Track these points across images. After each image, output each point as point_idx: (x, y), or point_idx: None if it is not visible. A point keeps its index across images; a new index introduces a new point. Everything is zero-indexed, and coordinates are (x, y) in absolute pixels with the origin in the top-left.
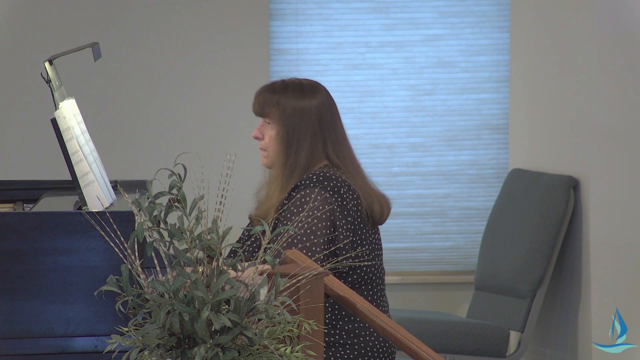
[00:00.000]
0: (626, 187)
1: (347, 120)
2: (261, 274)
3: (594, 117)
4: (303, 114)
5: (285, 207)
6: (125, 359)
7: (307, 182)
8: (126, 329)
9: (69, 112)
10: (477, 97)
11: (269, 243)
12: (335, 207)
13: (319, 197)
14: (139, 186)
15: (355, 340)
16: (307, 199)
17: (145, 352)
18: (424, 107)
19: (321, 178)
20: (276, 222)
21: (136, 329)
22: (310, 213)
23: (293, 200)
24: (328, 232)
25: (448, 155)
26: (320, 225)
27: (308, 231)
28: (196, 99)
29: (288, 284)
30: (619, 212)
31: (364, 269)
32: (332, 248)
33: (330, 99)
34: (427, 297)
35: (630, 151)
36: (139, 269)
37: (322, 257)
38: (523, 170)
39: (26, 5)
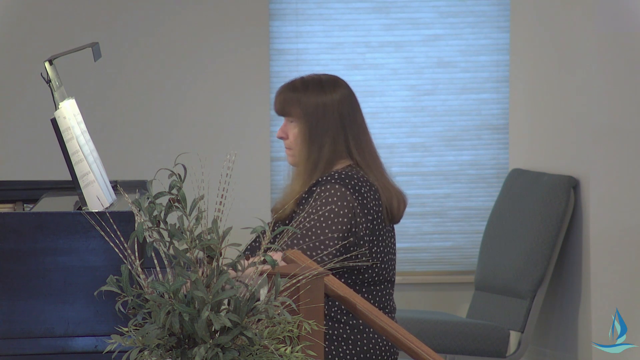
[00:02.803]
0: (626, 187)
1: None
2: (261, 274)
3: (594, 117)
4: (325, 109)
5: (304, 201)
6: (125, 359)
7: (329, 178)
8: (126, 329)
9: (69, 112)
10: (477, 97)
11: (271, 240)
12: (356, 204)
13: (338, 193)
14: (139, 186)
15: (359, 337)
16: (327, 193)
17: (145, 352)
18: (424, 107)
19: (343, 176)
20: (294, 214)
21: (136, 329)
22: (329, 207)
23: (314, 195)
24: (344, 228)
25: (448, 155)
26: (337, 220)
27: (324, 224)
28: (196, 99)
29: (288, 284)
30: (619, 212)
31: (376, 269)
32: (355, 244)
33: (350, 92)
34: (427, 297)
35: (630, 151)
36: (139, 269)
37: (334, 251)
38: (523, 170)
39: (26, 5)
